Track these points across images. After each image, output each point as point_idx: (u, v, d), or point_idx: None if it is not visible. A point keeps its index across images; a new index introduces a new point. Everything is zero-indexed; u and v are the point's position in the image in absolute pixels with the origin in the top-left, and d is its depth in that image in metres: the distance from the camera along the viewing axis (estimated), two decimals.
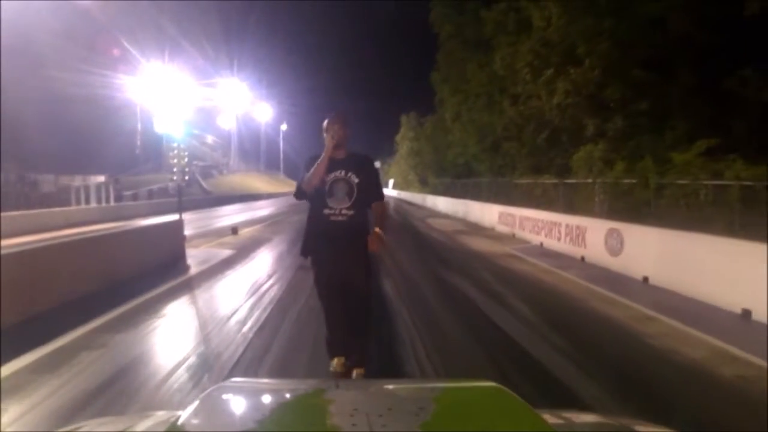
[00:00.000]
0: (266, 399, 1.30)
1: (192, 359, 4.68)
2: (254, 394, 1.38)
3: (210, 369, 4.41)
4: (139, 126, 53.84)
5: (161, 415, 1.38)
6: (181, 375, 4.28)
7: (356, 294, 3.77)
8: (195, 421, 1.10)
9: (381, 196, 3.87)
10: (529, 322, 5.88)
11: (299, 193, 3.86)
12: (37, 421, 3.49)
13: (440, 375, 4.20)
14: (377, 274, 8.85)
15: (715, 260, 7.10)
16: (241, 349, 4.88)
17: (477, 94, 23.18)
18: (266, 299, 7.04)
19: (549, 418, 1.25)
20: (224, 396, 1.29)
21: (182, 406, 1.24)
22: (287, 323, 5.80)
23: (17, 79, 30.53)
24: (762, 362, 4.68)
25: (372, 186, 3.79)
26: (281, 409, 1.21)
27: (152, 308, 6.58)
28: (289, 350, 4.88)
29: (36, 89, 34.01)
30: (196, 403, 1.19)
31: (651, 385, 4.14)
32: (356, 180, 3.73)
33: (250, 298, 7.15)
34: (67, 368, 4.49)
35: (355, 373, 3.77)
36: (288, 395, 1.34)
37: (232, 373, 4.29)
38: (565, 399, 3.78)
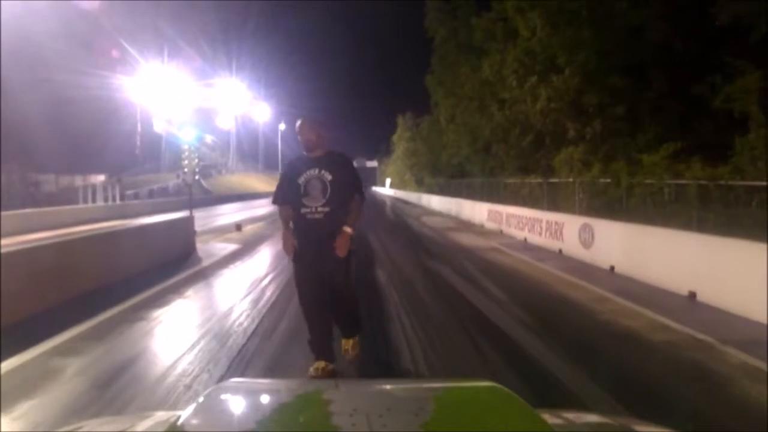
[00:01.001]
0: (266, 399, 1.32)
1: (217, 328, 5.67)
2: (254, 394, 1.40)
3: (234, 334, 5.41)
4: (138, 126, 54.70)
5: (161, 415, 1.40)
6: (211, 340, 5.27)
7: (338, 291, 4.01)
8: (195, 421, 1.11)
9: (358, 191, 4.01)
10: (499, 301, 6.92)
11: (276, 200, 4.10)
12: (97, 374, 4.42)
13: (420, 335, 5.19)
14: (371, 265, 9.88)
15: (670, 250, 8.08)
16: (257, 320, 5.88)
17: (470, 98, 24.10)
18: (274, 284, 8.04)
19: (549, 418, 1.26)
20: (224, 396, 1.30)
21: (183, 405, 1.35)
22: (294, 301, 6.77)
23: (18, 81, 31.32)
24: (690, 331, 5.65)
25: (348, 183, 3.94)
26: (281, 409, 1.21)
27: (177, 291, 7.57)
28: (299, 321, 5.85)
29: (36, 90, 34.80)
30: (196, 403, 1.20)
31: (587, 345, 5.17)
32: (329, 177, 3.83)
33: (260, 283, 8.16)
34: (114, 335, 5.48)
35: (343, 343, 4.28)
36: (288, 395, 1.35)
37: (252, 338, 5.27)
38: (517, 353, 4.80)
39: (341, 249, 3.84)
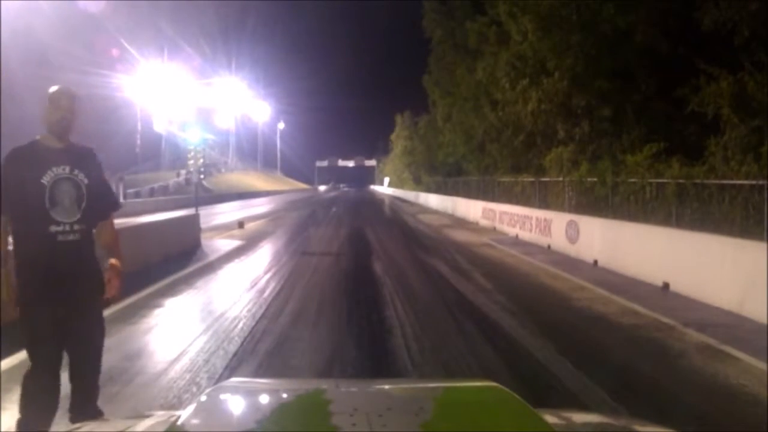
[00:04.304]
0: (266, 399, 1.32)
1: (229, 313, 6.26)
2: (254, 394, 1.40)
3: (245, 318, 6.01)
4: (138, 125, 55.27)
5: (161, 415, 1.41)
6: (227, 317, 5.91)
7: (87, 355, 2.85)
8: (195, 421, 1.12)
9: (114, 205, 2.97)
10: (483, 288, 7.59)
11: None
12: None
13: (410, 316, 5.82)
14: (369, 258, 10.53)
15: (647, 244, 8.70)
16: (264, 307, 6.49)
17: (465, 98, 24.70)
18: (278, 276, 8.65)
19: (549, 418, 1.27)
20: (224, 396, 1.31)
21: (184, 403, 1.55)
22: (297, 291, 7.43)
23: (18, 79, 31.79)
24: (657, 315, 6.24)
25: (106, 192, 2.89)
26: (281, 409, 1.22)
27: (187, 282, 8.18)
28: (301, 312, 6.45)
29: (37, 89, 35.17)
30: (196, 403, 1.21)
31: (559, 325, 5.80)
32: (86, 180, 2.72)
33: (264, 275, 8.77)
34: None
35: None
36: (288, 395, 1.36)
37: (260, 322, 5.86)
38: (495, 330, 5.44)
39: (115, 289, 2.77)
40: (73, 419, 2.74)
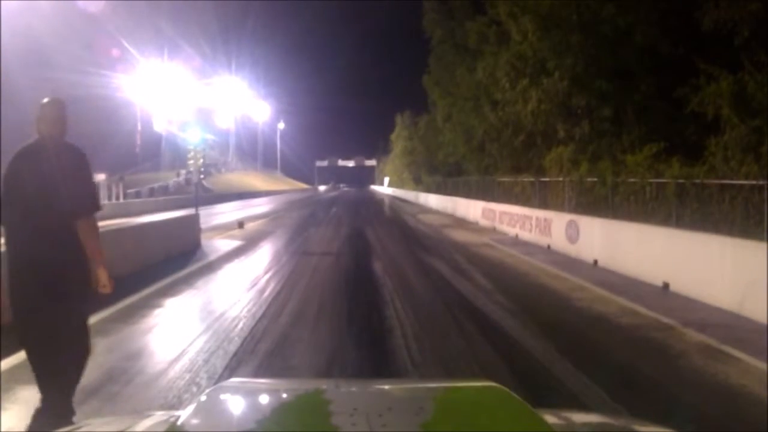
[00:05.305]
0: (266, 399, 1.33)
1: (229, 314, 6.26)
2: (254, 394, 1.41)
3: (245, 318, 6.02)
4: (138, 125, 55.31)
5: (161, 415, 1.41)
6: (227, 317, 5.91)
7: None
8: (195, 421, 1.13)
9: None
10: (483, 288, 7.62)
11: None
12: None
13: (410, 316, 5.83)
14: (369, 257, 10.53)
15: (647, 244, 8.70)
16: (264, 307, 6.49)
17: (465, 98, 24.70)
18: (278, 276, 8.64)
19: (549, 418, 1.27)
20: (224, 396, 1.31)
21: (184, 403, 1.63)
22: (297, 291, 7.43)
23: (19, 79, 31.79)
24: (657, 315, 6.25)
25: None
26: (281, 409, 1.23)
27: (187, 282, 8.18)
28: (301, 312, 6.45)
29: (37, 89, 35.22)
30: (196, 403, 1.21)
31: (559, 326, 5.81)
32: None
33: (264, 275, 8.78)
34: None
35: None
36: (288, 395, 1.36)
37: (260, 322, 5.86)
38: (495, 331, 5.44)
39: None
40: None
